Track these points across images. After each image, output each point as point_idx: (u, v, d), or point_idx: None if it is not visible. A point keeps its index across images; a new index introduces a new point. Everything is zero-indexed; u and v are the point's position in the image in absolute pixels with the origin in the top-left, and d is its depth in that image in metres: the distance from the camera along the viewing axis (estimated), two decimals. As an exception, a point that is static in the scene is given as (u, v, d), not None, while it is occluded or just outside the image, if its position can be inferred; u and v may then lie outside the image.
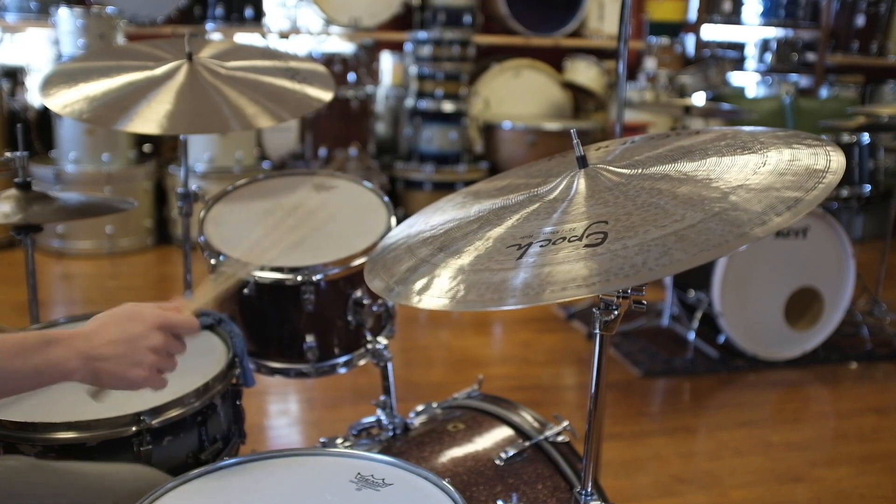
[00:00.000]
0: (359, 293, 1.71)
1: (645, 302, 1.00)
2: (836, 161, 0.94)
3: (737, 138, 1.06)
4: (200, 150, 4.60)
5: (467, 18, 5.19)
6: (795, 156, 0.97)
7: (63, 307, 3.79)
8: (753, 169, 0.95)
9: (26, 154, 1.66)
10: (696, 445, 2.73)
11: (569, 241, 0.91)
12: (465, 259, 0.98)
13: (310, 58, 3.99)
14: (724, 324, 3.22)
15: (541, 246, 0.93)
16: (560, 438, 1.49)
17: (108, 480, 1.14)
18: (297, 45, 5.19)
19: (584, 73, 5.56)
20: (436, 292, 0.94)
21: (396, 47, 5.35)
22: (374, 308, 1.72)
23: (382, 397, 1.66)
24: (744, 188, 0.91)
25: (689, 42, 5.99)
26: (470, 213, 1.11)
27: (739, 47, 6.17)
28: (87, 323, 1.05)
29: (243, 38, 4.86)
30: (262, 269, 1.65)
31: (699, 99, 3.61)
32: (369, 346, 1.73)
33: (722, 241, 0.83)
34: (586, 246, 0.89)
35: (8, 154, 1.64)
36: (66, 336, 1.01)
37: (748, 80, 6.13)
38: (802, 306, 3.32)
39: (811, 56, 6.05)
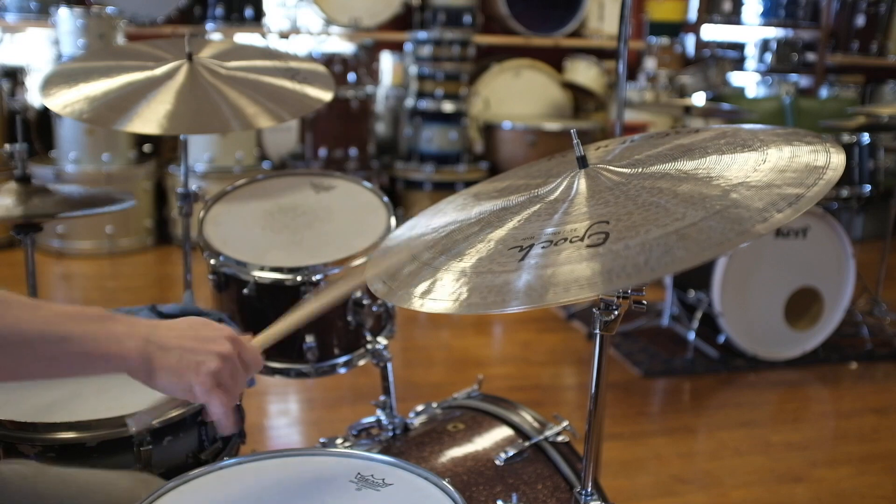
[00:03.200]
0: (359, 293, 1.71)
1: (645, 302, 1.00)
2: (835, 158, 0.94)
3: (736, 136, 1.06)
4: (200, 150, 4.60)
5: (467, 18, 5.19)
6: (795, 153, 0.97)
7: (63, 307, 3.78)
8: (754, 166, 0.95)
9: (25, 146, 1.66)
10: (696, 445, 2.73)
11: (570, 241, 0.91)
12: (467, 262, 0.97)
13: (310, 58, 3.98)
14: (724, 324, 3.22)
15: (543, 247, 0.93)
16: (560, 438, 1.49)
17: (110, 487, 1.14)
18: (297, 45, 5.19)
19: (584, 73, 5.56)
20: (438, 295, 0.94)
21: (396, 47, 5.35)
22: (374, 308, 1.72)
23: (382, 397, 1.66)
24: (744, 185, 0.91)
25: (689, 42, 5.99)
26: (471, 215, 1.11)
27: (739, 47, 6.18)
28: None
29: (243, 38, 4.86)
30: (262, 268, 1.65)
31: (699, 99, 3.61)
32: (369, 346, 1.73)
33: (724, 239, 0.82)
34: (588, 246, 0.89)
35: (7, 147, 1.64)
36: (130, 318, 0.93)
37: (748, 80, 6.13)
38: (802, 306, 3.32)
39: (811, 56, 6.06)
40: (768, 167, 0.94)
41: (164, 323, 0.95)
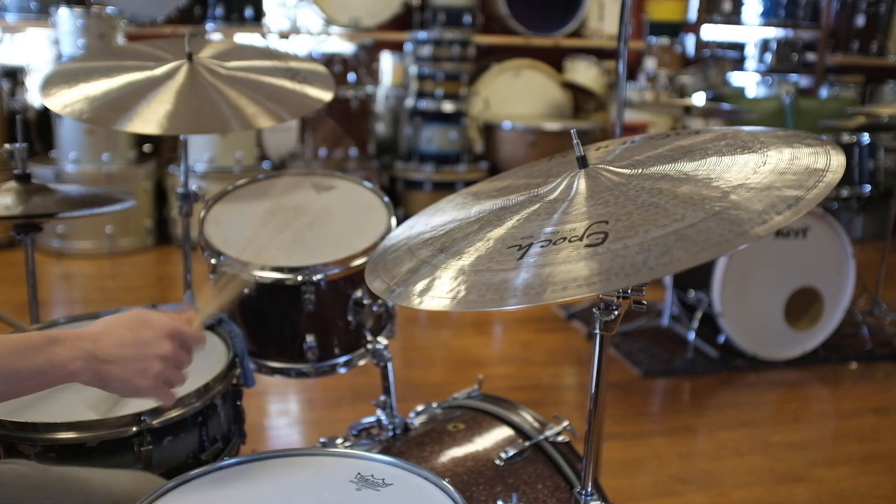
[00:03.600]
0: (359, 293, 1.71)
1: (645, 302, 1.00)
2: (836, 160, 0.94)
3: (736, 138, 1.06)
4: (200, 150, 4.60)
5: (467, 18, 5.19)
6: (795, 155, 0.97)
7: (63, 307, 3.79)
8: (753, 168, 0.95)
9: (25, 145, 1.66)
10: (696, 445, 2.73)
11: (569, 241, 0.91)
12: (466, 260, 0.98)
13: (310, 58, 3.99)
14: (724, 324, 3.22)
15: (541, 246, 0.93)
16: (560, 438, 1.49)
17: (111, 487, 1.14)
18: (297, 45, 5.19)
19: (584, 73, 5.56)
20: (437, 293, 0.94)
21: (396, 47, 5.35)
22: (375, 308, 1.72)
23: (382, 397, 1.66)
24: (744, 187, 0.91)
25: (689, 42, 5.99)
26: (470, 214, 1.11)
27: (739, 47, 6.18)
28: (94, 323, 1.02)
29: (243, 38, 4.86)
30: (263, 268, 1.65)
31: (699, 99, 3.61)
32: (369, 346, 1.73)
33: (723, 240, 0.83)
34: (587, 246, 0.89)
35: (7, 146, 1.64)
36: (72, 336, 0.98)
37: (748, 80, 6.13)
38: (802, 306, 3.32)
39: (811, 56, 6.05)
40: (768, 169, 0.94)
41: (103, 331, 1.00)
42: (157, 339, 1.01)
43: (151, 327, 1.02)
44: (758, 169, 0.95)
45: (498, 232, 1.01)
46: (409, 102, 5.10)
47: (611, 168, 1.05)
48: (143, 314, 1.04)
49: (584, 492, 1.12)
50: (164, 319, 1.03)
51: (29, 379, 0.96)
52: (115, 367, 0.98)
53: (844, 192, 3.40)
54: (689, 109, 3.54)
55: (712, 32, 6.05)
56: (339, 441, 1.58)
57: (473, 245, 1.00)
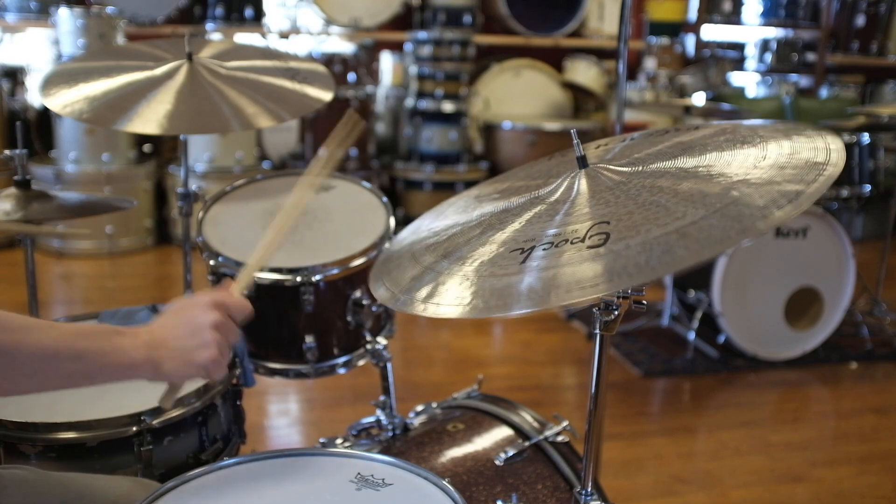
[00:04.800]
0: (358, 293, 1.71)
1: (645, 302, 1.00)
2: (836, 153, 0.93)
3: (736, 133, 1.06)
4: (200, 150, 4.60)
5: (467, 18, 5.19)
6: (795, 149, 0.96)
7: (63, 307, 3.79)
8: (754, 163, 0.95)
9: (25, 152, 1.66)
10: (696, 445, 2.73)
11: (571, 242, 0.91)
12: (470, 265, 0.97)
13: (310, 58, 3.98)
14: (724, 324, 3.22)
15: (544, 249, 0.92)
16: (560, 438, 1.49)
17: (110, 492, 1.14)
18: (297, 45, 5.19)
19: (584, 73, 5.56)
20: (441, 300, 0.94)
21: (396, 47, 5.35)
22: (374, 308, 1.72)
23: (382, 397, 1.66)
24: (745, 183, 0.90)
25: (689, 42, 5.99)
26: (472, 218, 1.11)
27: (739, 47, 6.18)
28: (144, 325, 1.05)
29: (243, 38, 4.86)
30: (261, 269, 1.65)
31: (699, 99, 3.61)
32: (369, 346, 1.73)
33: (724, 237, 0.82)
34: (589, 247, 0.89)
35: (7, 152, 1.64)
36: (130, 329, 1.03)
37: (748, 81, 6.13)
38: (802, 306, 3.32)
39: (811, 56, 6.05)
40: (768, 164, 0.94)
41: (156, 323, 1.04)
42: (203, 312, 1.03)
43: (195, 305, 1.04)
44: (758, 164, 0.94)
45: (500, 236, 1.01)
46: (409, 102, 5.09)
47: (611, 167, 1.05)
48: (182, 301, 1.07)
49: (583, 492, 1.12)
50: (203, 296, 1.06)
51: (93, 361, 0.98)
52: (173, 349, 1.01)
53: (844, 192, 3.40)
54: (689, 109, 3.54)
55: (712, 32, 6.05)
56: (338, 441, 1.58)
57: (476, 250, 1.00)
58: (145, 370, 1.01)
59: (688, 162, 1.00)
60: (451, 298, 0.93)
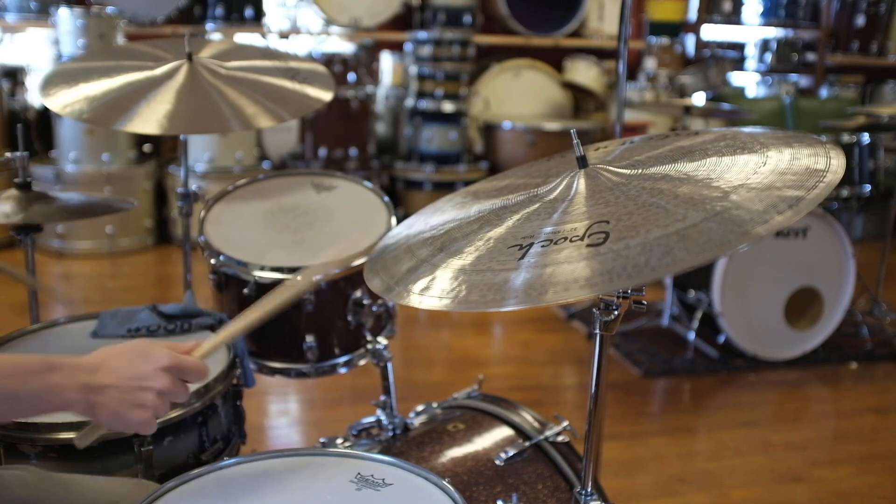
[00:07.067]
0: (359, 293, 1.71)
1: (645, 302, 1.00)
2: (836, 161, 0.94)
3: (736, 139, 1.06)
4: (200, 150, 4.60)
5: (467, 18, 5.19)
6: (795, 155, 0.97)
7: (63, 307, 3.79)
8: (754, 168, 0.95)
9: (26, 154, 1.66)
10: (696, 445, 2.73)
11: (570, 241, 0.91)
12: (466, 259, 0.97)
13: (310, 58, 3.99)
14: (724, 324, 3.22)
15: (542, 246, 0.92)
16: (560, 438, 1.49)
17: (111, 494, 1.14)
18: (297, 45, 5.19)
19: (584, 73, 5.56)
20: (437, 293, 0.94)
21: (396, 47, 5.35)
22: (374, 308, 1.72)
23: (382, 397, 1.66)
24: (745, 187, 0.91)
25: (689, 42, 5.99)
26: (470, 214, 1.11)
27: (739, 47, 6.18)
28: (94, 353, 1.01)
29: (243, 38, 4.86)
30: (262, 269, 1.65)
31: (699, 99, 3.61)
32: (369, 346, 1.73)
33: (724, 241, 0.83)
34: (588, 246, 0.89)
35: (8, 154, 1.64)
36: (71, 364, 0.97)
37: (748, 80, 6.13)
38: (802, 306, 3.32)
39: (811, 56, 6.05)
40: (768, 169, 0.94)
41: (101, 362, 0.99)
42: (154, 373, 0.98)
43: (151, 360, 0.99)
44: (758, 169, 0.94)
45: (498, 231, 1.01)
46: (409, 102, 5.10)
47: (611, 168, 1.05)
48: (143, 345, 1.02)
49: (584, 492, 1.12)
50: (164, 352, 1.01)
51: (23, 402, 0.95)
52: (110, 401, 0.97)
53: (844, 192, 3.40)
54: (689, 109, 3.54)
55: (712, 32, 6.05)
56: (339, 441, 1.58)
57: (473, 244, 1.00)
58: (79, 409, 0.98)
59: (688, 166, 1.00)
60: (446, 291, 0.93)
